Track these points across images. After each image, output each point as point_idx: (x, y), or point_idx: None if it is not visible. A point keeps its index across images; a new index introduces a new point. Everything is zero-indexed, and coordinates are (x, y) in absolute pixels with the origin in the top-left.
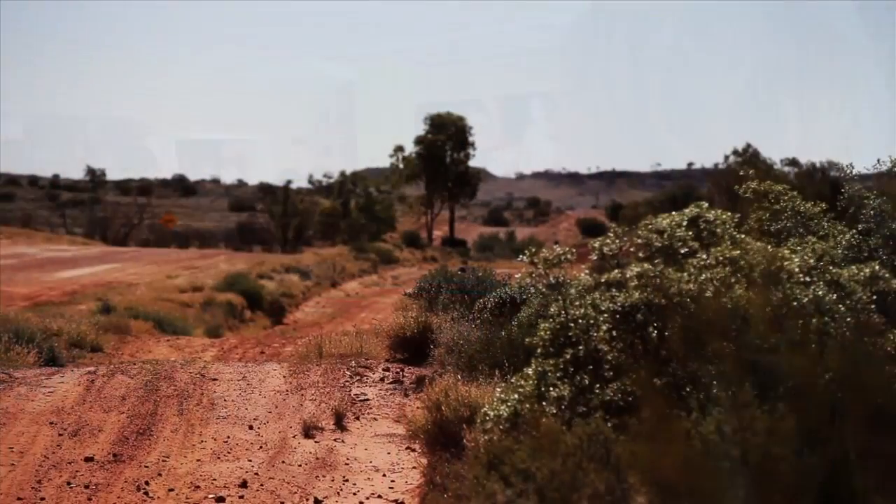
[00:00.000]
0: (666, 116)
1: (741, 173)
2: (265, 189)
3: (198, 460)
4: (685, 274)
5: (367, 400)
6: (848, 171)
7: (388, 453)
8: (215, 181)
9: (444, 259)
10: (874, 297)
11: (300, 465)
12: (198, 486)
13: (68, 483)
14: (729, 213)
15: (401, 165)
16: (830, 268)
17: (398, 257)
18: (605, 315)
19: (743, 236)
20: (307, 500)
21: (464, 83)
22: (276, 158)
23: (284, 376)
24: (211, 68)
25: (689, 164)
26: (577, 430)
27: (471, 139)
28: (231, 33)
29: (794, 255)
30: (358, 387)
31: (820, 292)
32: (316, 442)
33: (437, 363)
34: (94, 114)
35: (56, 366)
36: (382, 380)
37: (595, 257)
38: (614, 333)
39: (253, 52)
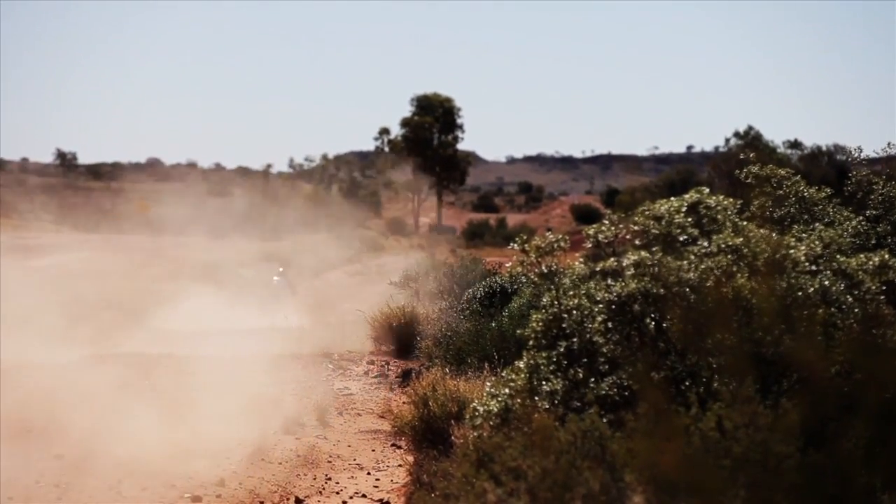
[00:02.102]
0: (664, 98)
1: (742, 157)
2: (244, 173)
3: (173, 458)
4: (685, 262)
5: (351, 394)
6: (855, 155)
7: (373, 450)
8: (191, 165)
9: (432, 247)
10: (883, 287)
11: (280, 463)
12: (173, 485)
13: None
14: (730, 199)
15: (386, 149)
16: (837, 256)
17: (383, 245)
18: (601, 306)
19: (745, 223)
20: (288, 499)
21: (453, 64)
22: (255, 141)
23: (264, 370)
24: (191, 50)
25: (689, 148)
26: (571, 427)
27: (459, 121)
28: (209, 12)
29: (799, 243)
30: (341, 381)
31: (826, 282)
32: (297, 438)
33: (424, 356)
34: (66, 95)
35: None
36: (367, 373)
37: (590, 245)
38: (610, 325)
39: (234, 33)
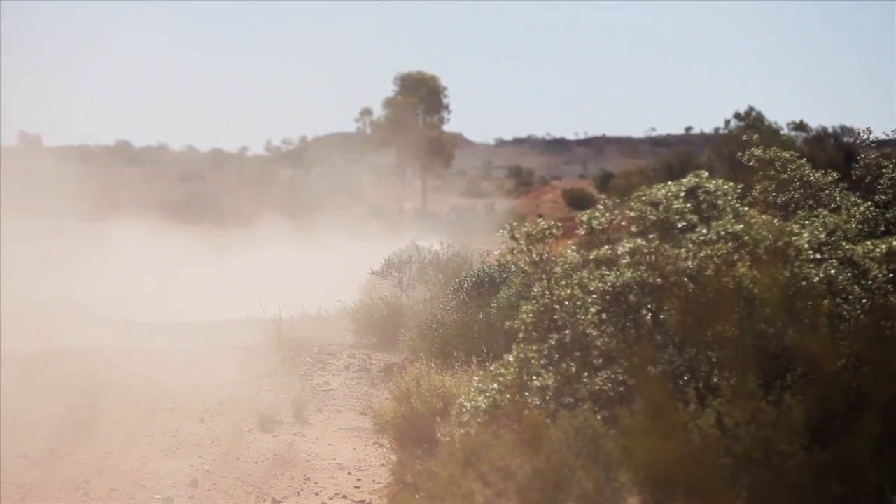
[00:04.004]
0: (661, 76)
1: (744, 139)
2: (218, 156)
3: (143, 457)
4: (683, 250)
5: (331, 390)
6: (863, 137)
7: (354, 449)
8: (163, 147)
9: (416, 233)
10: (891, 276)
11: (256, 462)
12: (143, 486)
13: None
14: (731, 184)
15: (368, 130)
16: (843, 244)
17: (365, 231)
18: (594, 296)
19: (747, 209)
20: (264, 500)
21: (439, 41)
22: (230, 122)
23: (239, 364)
24: (161, 26)
25: (687, 130)
26: (563, 424)
27: (445, 101)
28: None
29: (803, 230)
30: (320, 375)
31: (832, 271)
32: (274, 436)
33: (408, 349)
34: (30, 75)
35: None
36: (347, 367)
37: (583, 232)
38: (604, 316)
39: (207, 10)
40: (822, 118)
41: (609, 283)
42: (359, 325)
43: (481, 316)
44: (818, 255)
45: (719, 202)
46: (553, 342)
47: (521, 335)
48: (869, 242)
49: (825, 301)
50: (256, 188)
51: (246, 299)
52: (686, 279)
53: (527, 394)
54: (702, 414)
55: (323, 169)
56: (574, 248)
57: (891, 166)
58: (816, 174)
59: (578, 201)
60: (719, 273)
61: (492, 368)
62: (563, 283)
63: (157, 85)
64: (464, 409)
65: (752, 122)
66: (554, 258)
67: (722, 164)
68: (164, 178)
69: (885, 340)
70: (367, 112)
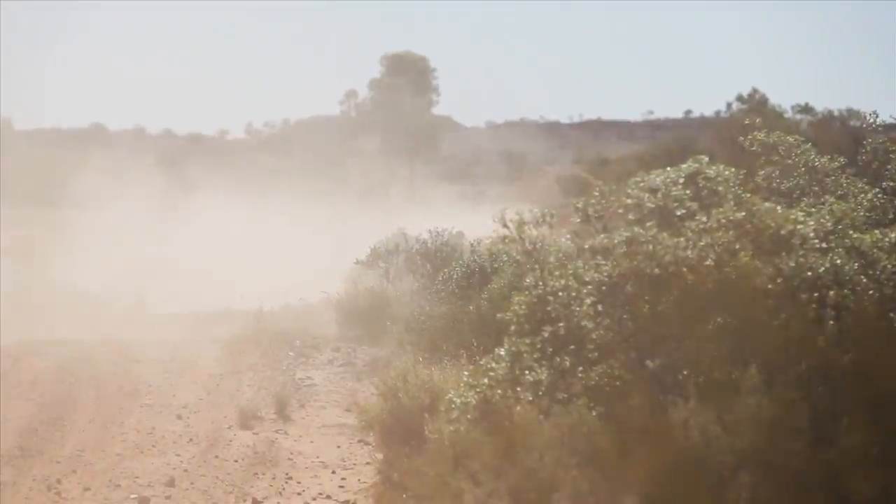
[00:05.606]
0: (660, 57)
1: (747, 123)
2: (196, 140)
3: (118, 455)
4: (682, 239)
5: (314, 385)
6: (871, 121)
7: (338, 447)
8: (139, 131)
9: (404, 220)
10: None
11: (236, 461)
12: (118, 485)
13: None
14: (732, 169)
15: (353, 114)
16: (850, 232)
17: (350, 219)
18: (590, 287)
19: (749, 196)
20: (244, 500)
21: (427, 20)
22: (209, 104)
23: (218, 357)
24: (137, 3)
25: (687, 113)
26: (557, 420)
27: (434, 83)
28: None
29: (808, 218)
30: (303, 369)
31: (838, 260)
32: (254, 434)
33: (395, 342)
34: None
35: None
36: (331, 361)
37: (578, 220)
38: (600, 308)
39: None
40: (827, 101)
41: (605, 274)
42: (343, 316)
43: (471, 307)
44: (824, 245)
45: (720, 189)
46: (546, 335)
47: (512, 328)
48: (877, 231)
49: (831, 292)
50: (237, 172)
51: (226, 288)
52: (685, 269)
53: (519, 389)
54: (702, 410)
55: (306, 153)
56: (568, 236)
57: None
58: (822, 159)
59: (573, 188)
60: (720, 263)
61: (482, 362)
62: (557, 273)
63: (133, 66)
64: (453, 405)
65: (754, 104)
66: (547, 247)
67: (723, 149)
68: (141, 162)
69: (894, 334)
70: (352, 94)
